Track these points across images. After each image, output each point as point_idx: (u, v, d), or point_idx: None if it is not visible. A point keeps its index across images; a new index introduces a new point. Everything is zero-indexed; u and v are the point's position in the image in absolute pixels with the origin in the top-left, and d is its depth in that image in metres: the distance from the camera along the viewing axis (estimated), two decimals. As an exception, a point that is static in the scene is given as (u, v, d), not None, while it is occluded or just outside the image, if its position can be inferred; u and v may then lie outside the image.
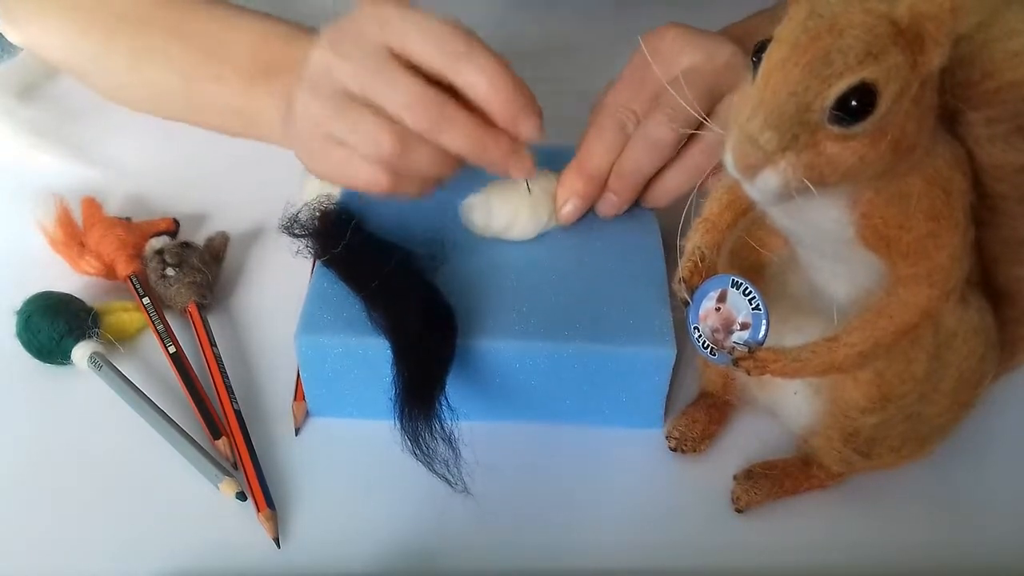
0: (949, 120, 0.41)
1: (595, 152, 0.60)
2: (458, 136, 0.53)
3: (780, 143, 0.36)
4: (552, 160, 0.61)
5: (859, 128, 0.36)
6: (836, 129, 0.36)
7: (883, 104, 0.35)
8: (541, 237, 0.62)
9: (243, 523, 0.52)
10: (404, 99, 0.53)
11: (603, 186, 0.61)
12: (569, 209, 0.61)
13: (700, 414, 0.57)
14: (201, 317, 0.64)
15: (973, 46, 0.38)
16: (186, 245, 0.68)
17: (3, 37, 0.74)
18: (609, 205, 0.62)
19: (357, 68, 0.54)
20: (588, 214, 0.63)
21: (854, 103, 0.35)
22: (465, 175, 0.58)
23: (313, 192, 0.65)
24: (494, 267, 0.59)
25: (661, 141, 0.58)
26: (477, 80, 0.53)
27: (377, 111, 0.53)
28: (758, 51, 0.37)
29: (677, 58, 0.59)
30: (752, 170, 0.37)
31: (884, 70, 0.35)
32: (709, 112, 0.58)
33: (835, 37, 0.35)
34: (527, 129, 0.54)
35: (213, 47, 0.65)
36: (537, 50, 0.77)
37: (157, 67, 0.67)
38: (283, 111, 0.59)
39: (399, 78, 0.53)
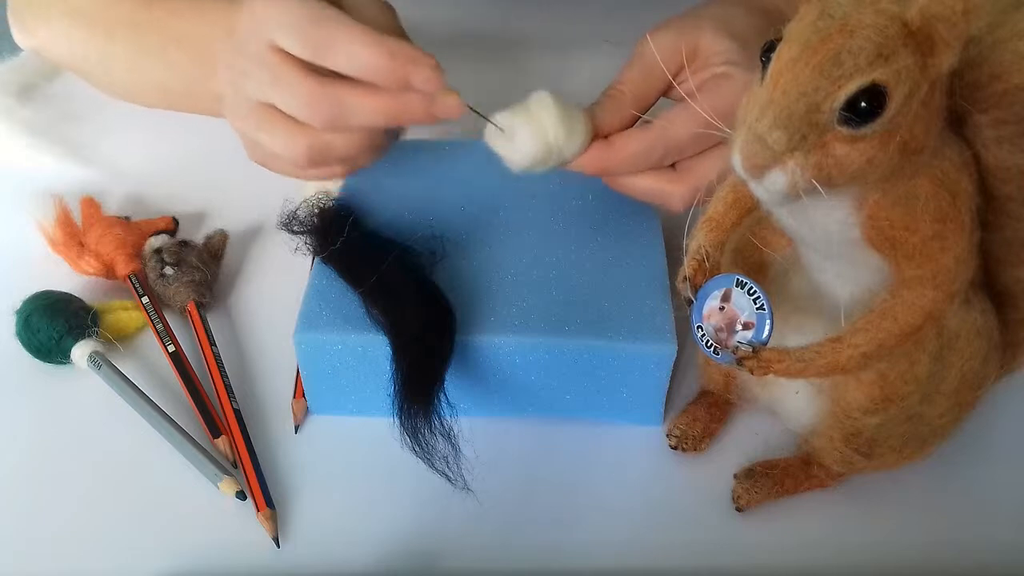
0: (956, 122, 0.41)
1: (632, 156, 0.55)
2: (363, 116, 0.53)
3: (789, 143, 0.36)
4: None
5: (868, 129, 0.36)
6: (845, 130, 0.36)
7: (893, 106, 0.35)
8: (542, 232, 0.62)
9: (243, 522, 0.52)
10: (298, 103, 0.52)
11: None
12: (576, 170, 0.57)
13: (701, 412, 0.57)
14: (200, 316, 0.63)
15: (982, 48, 0.38)
16: (185, 244, 0.67)
17: (3, 38, 0.75)
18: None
19: (255, 81, 0.53)
20: (589, 212, 0.63)
21: (864, 104, 0.35)
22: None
23: (313, 189, 0.64)
24: (493, 263, 0.59)
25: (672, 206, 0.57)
26: (349, 64, 0.52)
27: (288, 117, 0.53)
28: (767, 51, 0.38)
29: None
30: (760, 170, 0.37)
31: (894, 72, 0.35)
32: None
33: (846, 38, 0.35)
34: (422, 82, 0.52)
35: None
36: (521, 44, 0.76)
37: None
38: None
39: (288, 81, 0.52)
